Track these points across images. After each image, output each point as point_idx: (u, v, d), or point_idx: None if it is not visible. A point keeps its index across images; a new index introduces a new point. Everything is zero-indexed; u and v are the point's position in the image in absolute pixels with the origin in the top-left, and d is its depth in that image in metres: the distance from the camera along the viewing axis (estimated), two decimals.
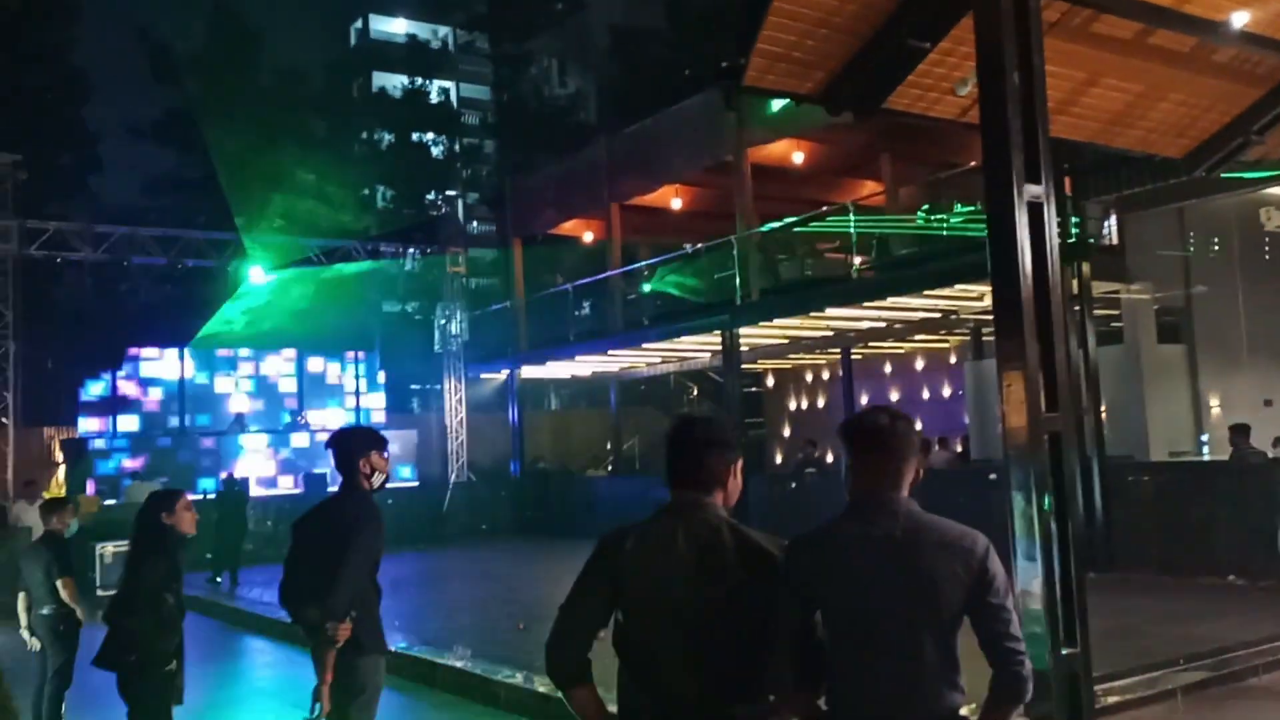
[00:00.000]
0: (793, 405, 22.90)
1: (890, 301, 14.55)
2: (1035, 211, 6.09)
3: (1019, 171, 6.07)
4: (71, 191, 30.15)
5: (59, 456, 20.45)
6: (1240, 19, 7.45)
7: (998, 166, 6.16)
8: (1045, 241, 6.09)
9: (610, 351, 19.53)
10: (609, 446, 23.81)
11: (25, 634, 7.08)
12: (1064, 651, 5.67)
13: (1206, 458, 13.46)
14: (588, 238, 22.15)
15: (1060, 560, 5.77)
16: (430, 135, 35.64)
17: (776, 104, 14.82)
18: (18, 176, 18.14)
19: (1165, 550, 11.20)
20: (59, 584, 6.93)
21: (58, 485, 18.88)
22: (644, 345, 18.75)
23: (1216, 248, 14.12)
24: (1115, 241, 12.82)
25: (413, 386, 29.26)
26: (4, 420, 17.92)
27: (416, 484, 21.00)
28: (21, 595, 7.08)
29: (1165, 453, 13.17)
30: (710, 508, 2.68)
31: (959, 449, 15.61)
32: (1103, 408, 12.62)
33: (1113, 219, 12.55)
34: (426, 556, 16.97)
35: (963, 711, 2.54)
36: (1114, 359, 13.39)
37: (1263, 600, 8.80)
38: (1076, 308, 11.83)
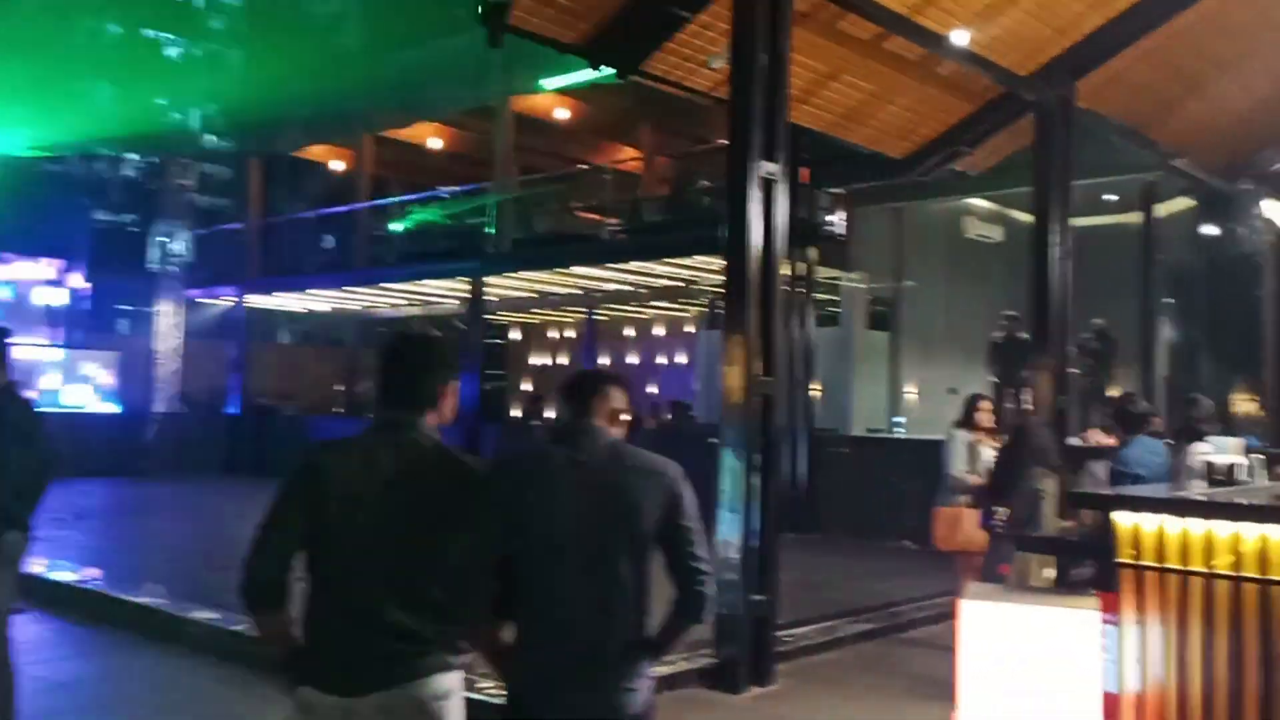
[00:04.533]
0: (535, 361, 23.05)
1: (635, 265, 14.94)
2: (768, 188, 6.46)
3: (758, 148, 6.40)
4: None
5: None
6: (962, 37, 8.21)
7: (739, 141, 6.47)
8: (774, 217, 6.48)
9: (349, 288, 18.79)
10: (341, 388, 22.97)
11: None
12: (753, 598, 6.13)
13: (900, 435, 14.85)
14: (336, 167, 21.13)
15: (760, 515, 6.22)
16: (166, 34, 32.49)
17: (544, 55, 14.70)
18: None
19: (858, 515, 12.30)
20: None
21: None
22: (386, 285, 18.19)
23: (926, 246, 15.55)
24: (842, 232, 13.79)
25: (123, 305, 26.84)
26: None
27: (120, 410, 19.36)
28: None
29: (864, 429, 14.42)
30: (418, 426, 2.60)
31: (668, 417, 16.23)
32: (816, 384, 13.62)
33: (841, 211, 13.49)
34: (123, 488, 15.71)
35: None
36: (829, 340, 14.48)
37: (931, 562, 9.84)
38: (802, 289, 12.65)
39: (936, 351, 15.66)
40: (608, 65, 8.03)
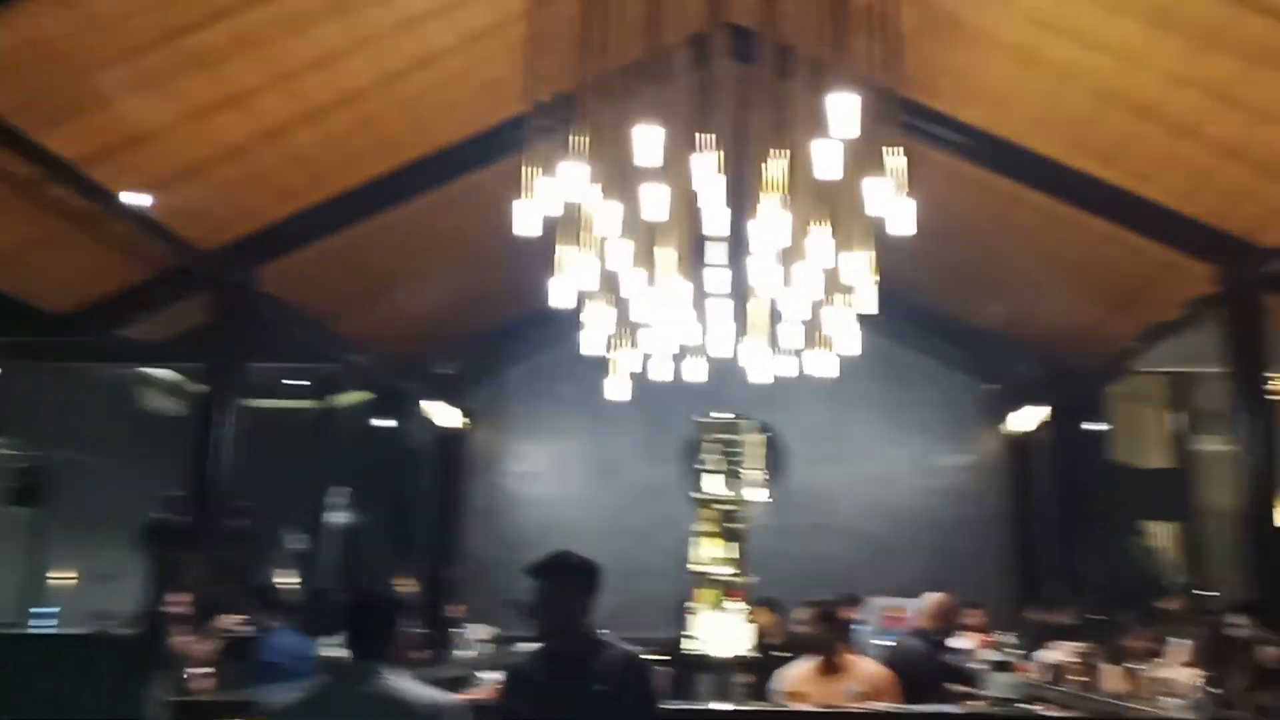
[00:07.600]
0: None
1: None
2: None
3: None
4: None
5: None
6: (137, 199, 7.75)
7: None
8: None
9: None
10: None
11: None
12: None
13: (42, 630, 12.74)
14: None
15: None
16: None
17: None
18: None
19: None
20: None
21: None
22: None
23: (93, 415, 14.07)
24: None
25: None
26: None
27: None
28: None
29: None
30: None
31: None
32: None
33: None
34: None
35: None
36: None
37: None
38: None
39: (102, 532, 14.03)
40: None
